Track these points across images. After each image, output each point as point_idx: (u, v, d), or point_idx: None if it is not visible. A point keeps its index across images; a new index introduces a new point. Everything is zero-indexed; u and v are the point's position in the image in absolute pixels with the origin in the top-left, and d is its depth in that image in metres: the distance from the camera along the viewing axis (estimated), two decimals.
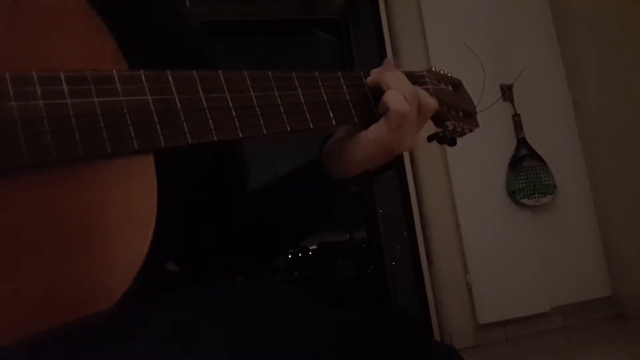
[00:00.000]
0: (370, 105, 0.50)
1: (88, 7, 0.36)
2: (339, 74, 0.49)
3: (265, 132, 0.41)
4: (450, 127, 0.58)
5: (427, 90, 0.57)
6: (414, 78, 0.57)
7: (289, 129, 0.42)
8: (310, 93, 0.45)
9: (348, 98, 0.48)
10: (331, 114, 0.46)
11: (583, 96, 2.41)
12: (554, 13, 2.51)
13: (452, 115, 0.59)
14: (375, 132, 0.49)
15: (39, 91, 0.30)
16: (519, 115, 2.34)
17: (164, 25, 0.51)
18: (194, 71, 0.38)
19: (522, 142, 2.33)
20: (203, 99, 0.38)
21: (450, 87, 0.62)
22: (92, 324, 0.30)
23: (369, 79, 0.51)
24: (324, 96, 0.47)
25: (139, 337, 0.29)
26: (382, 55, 2.39)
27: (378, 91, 0.50)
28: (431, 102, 0.53)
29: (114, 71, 0.34)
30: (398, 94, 0.48)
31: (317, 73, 0.47)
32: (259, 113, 0.41)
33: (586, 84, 2.38)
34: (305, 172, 0.56)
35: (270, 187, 0.59)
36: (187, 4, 2.27)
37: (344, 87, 0.49)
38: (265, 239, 0.58)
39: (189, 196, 0.51)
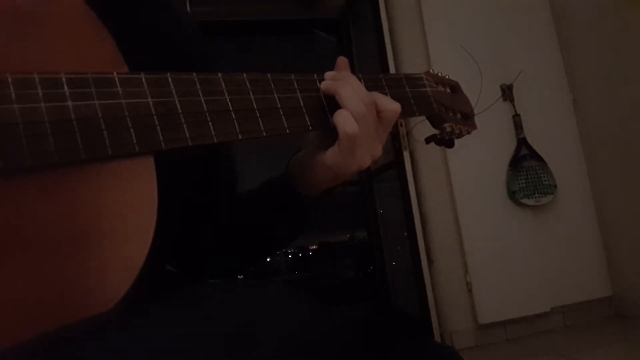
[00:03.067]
0: (325, 112, 0.47)
1: (88, 10, 0.36)
2: (315, 76, 0.48)
3: (264, 134, 0.41)
4: (448, 129, 0.58)
5: (424, 92, 0.57)
6: (411, 80, 0.57)
7: (287, 131, 0.43)
8: (309, 96, 0.46)
9: (302, 104, 0.46)
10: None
11: (583, 96, 2.41)
12: (554, 13, 2.51)
13: (450, 117, 0.60)
14: (331, 155, 0.47)
15: (40, 94, 0.31)
16: (519, 115, 2.34)
17: (161, 27, 0.51)
18: (194, 74, 0.39)
19: (522, 142, 2.33)
20: (203, 101, 0.38)
21: (448, 90, 0.63)
22: (92, 326, 0.30)
23: (322, 84, 0.48)
24: (323, 99, 0.47)
25: (138, 338, 0.29)
26: (382, 55, 2.39)
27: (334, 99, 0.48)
28: (392, 107, 0.49)
29: (115, 74, 0.34)
30: (346, 114, 0.45)
31: (315, 75, 0.48)
32: (258, 115, 0.41)
33: (586, 84, 2.38)
34: (272, 187, 0.55)
35: (242, 200, 0.58)
36: (187, 4, 2.28)
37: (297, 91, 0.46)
38: (242, 245, 0.57)
39: (186, 197, 0.51)
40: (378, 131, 0.49)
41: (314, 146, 0.50)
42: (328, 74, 0.49)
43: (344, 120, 0.45)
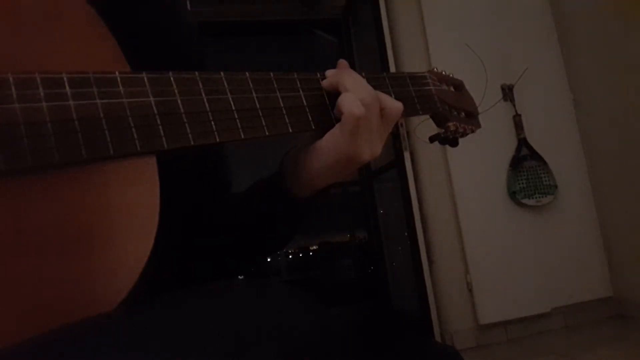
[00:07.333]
0: (327, 111, 0.47)
1: (89, 9, 0.36)
2: (316, 75, 0.48)
3: (267, 133, 0.41)
4: (452, 128, 0.58)
5: (428, 91, 0.57)
6: (415, 79, 0.57)
7: (290, 130, 0.43)
8: (312, 95, 0.46)
9: (305, 103, 0.46)
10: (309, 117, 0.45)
11: (583, 96, 2.41)
12: (554, 13, 2.51)
13: (454, 115, 0.59)
14: (330, 138, 0.46)
15: (42, 93, 0.30)
16: (519, 115, 2.34)
17: (161, 25, 0.51)
18: (196, 73, 0.38)
19: (522, 142, 2.33)
20: (205, 100, 0.38)
21: (451, 88, 0.62)
22: (94, 326, 0.30)
23: (324, 81, 0.48)
24: (326, 97, 0.47)
25: (140, 338, 0.29)
26: (383, 55, 2.39)
27: (336, 95, 0.47)
28: (395, 105, 0.49)
29: (117, 73, 0.34)
30: (352, 96, 0.45)
31: (318, 74, 0.47)
32: (261, 115, 0.41)
33: (586, 84, 2.38)
34: (262, 187, 0.53)
35: (232, 202, 0.57)
36: (188, 4, 2.28)
37: (300, 90, 0.46)
38: (234, 248, 0.56)
39: (187, 199, 0.51)
40: (380, 128, 0.48)
41: (311, 138, 0.48)
42: (329, 71, 0.49)
43: (350, 102, 0.44)
